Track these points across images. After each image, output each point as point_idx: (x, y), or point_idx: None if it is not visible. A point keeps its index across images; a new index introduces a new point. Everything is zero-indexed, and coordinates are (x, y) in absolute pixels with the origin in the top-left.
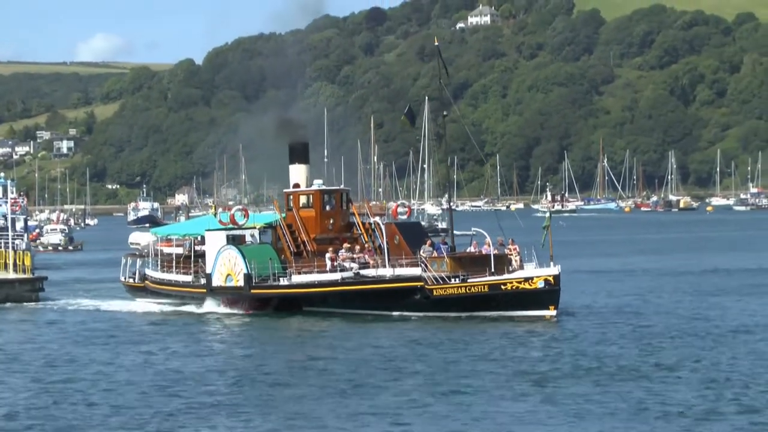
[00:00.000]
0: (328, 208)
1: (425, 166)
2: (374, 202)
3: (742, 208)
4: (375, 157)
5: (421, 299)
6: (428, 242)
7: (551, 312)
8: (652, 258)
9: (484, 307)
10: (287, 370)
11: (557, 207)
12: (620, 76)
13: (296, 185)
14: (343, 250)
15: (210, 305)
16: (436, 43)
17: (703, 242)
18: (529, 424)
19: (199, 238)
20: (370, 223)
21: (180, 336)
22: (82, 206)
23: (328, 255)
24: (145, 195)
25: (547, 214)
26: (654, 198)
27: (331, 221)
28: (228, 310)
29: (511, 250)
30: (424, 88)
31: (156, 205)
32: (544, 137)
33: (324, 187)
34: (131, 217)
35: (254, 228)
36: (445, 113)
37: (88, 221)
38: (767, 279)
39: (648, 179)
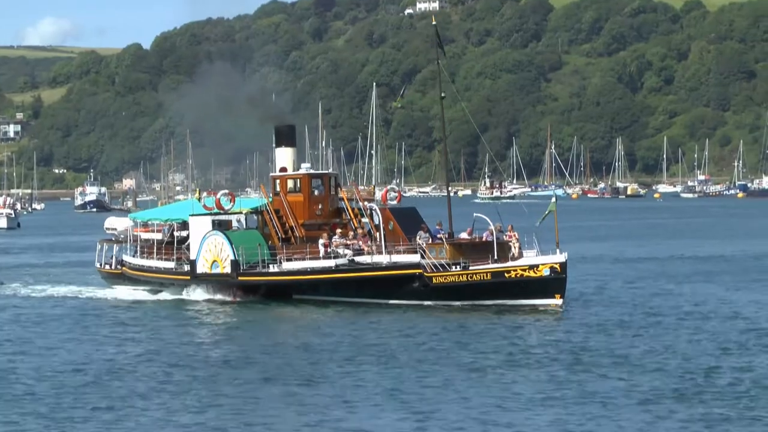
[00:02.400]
0: (316, 192)
1: (373, 152)
2: (362, 187)
3: (690, 195)
4: (323, 143)
5: (419, 287)
6: (424, 228)
7: (557, 301)
8: (629, 244)
9: (486, 295)
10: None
11: (496, 194)
12: (568, 63)
13: (283, 169)
14: (336, 237)
15: (194, 293)
16: (434, 23)
17: (663, 229)
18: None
19: (177, 224)
20: (359, 209)
21: (141, 323)
22: (29, 191)
23: (321, 241)
24: (92, 180)
25: (553, 199)
26: (601, 185)
27: (320, 206)
28: (213, 298)
29: (510, 237)
30: (373, 74)
31: (103, 189)
32: (492, 124)
33: (312, 171)
34: (78, 201)
35: (240, 213)
36: (443, 94)
37: (34, 206)
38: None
39: (595, 166)
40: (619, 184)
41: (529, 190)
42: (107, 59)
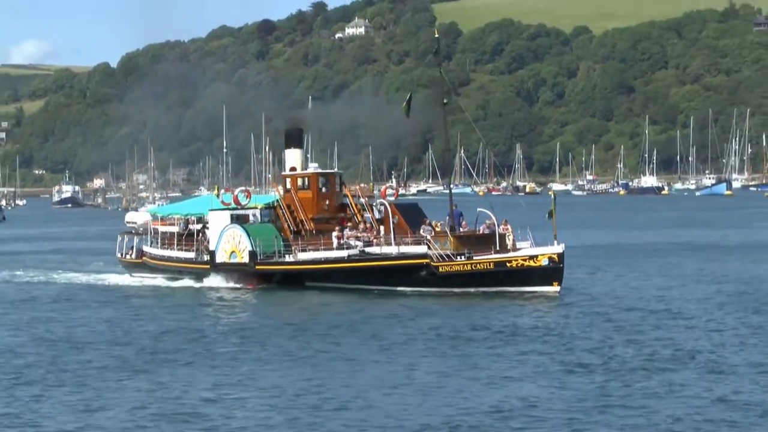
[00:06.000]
0: (324, 189)
1: (308, 155)
2: (363, 185)
3: (579, 192)
4: (267, 147)
5: (426, 276)
6: (426, 221)
7: (555, 288)
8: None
9: (489, 283)
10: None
11: (402, 192)
12: (475, 80)
13: (293, 168)
14: (347, 229)
15: (213, 280)
16: (436, 35)
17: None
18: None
19: (193, 218)
20: (361, 204)
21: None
22: (13, 189)
23: (334, 233)
24: (67, 179)
25: (552, 196)
26: (504, 184)
27: (327, 202)
28: (231, 285)
29: (505, 230)
30: (308, 88)
31: (77, 188)
32: (410, 131)
33: (320, 170)
34: (56, 198)
35: (256, 208)
36: (445, 101)
37: (17, 202)
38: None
39: (498, 168)
40: (519, 183)
41: (442, 188)
42: (80, 76)
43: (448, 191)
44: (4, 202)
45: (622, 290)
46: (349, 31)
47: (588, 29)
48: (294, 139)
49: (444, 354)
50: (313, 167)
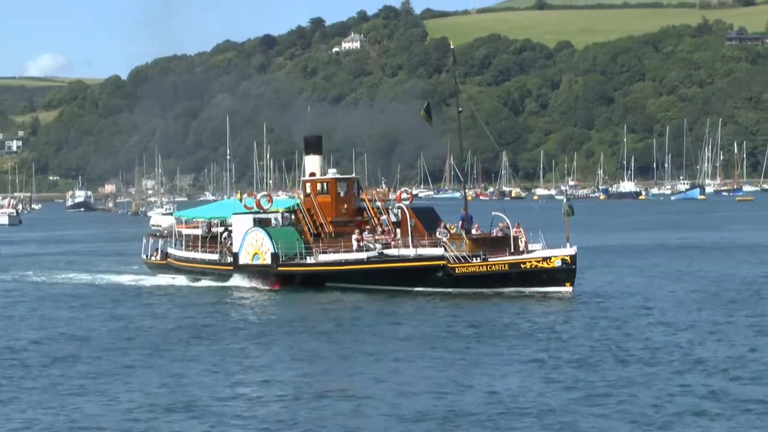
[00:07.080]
0: (342, 194)
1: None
2: (380, 189)
3: (562, 197)
4: (268, 155)
5: (443, 277)
6: (442, 224)
7: (568, 288)
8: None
9: (503, 284)
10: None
11: (391, 197)
12: (464, 91)
13: (312, 174)
14: (366, 232)
15: (237, 280)
16: (452, 46)
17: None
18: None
19: (215, 221)
20: (377, 208)
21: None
22: (29, 194)
23: (354, 236)
24: (80, 185)
25: (564, 201)
26: (491, 189)
27: (345, 206)
28: (254, 285)
29: (517, 233)
30: (307, 99)
31: (89, 193)
32: (403, 140)
33: (338, 176)
34: (69, 203)
35: (277, 212)
36: (460, 109)
37: (33, 206)
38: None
39: (486, 174)
40: (505, 189)
41: (433, 193)
42: (92, 88)
43: (437, 196)
44: (20, 207)
45: (619, 289)
46: (346, 45)
47: (570, 44)
48: (313, 145)
49: (449, 349)
50: (332, 173)
